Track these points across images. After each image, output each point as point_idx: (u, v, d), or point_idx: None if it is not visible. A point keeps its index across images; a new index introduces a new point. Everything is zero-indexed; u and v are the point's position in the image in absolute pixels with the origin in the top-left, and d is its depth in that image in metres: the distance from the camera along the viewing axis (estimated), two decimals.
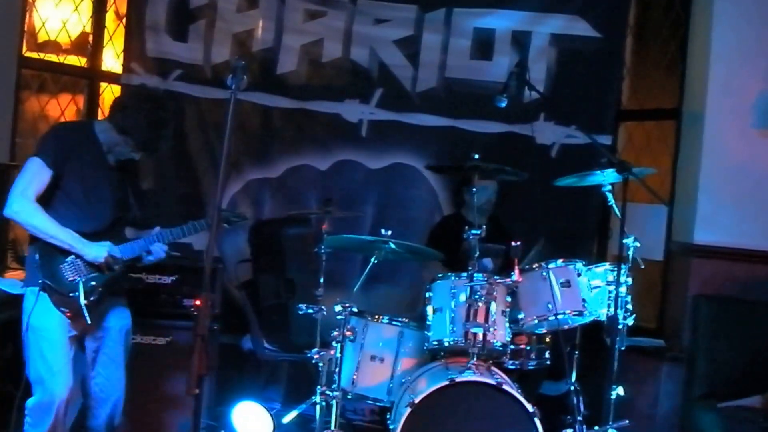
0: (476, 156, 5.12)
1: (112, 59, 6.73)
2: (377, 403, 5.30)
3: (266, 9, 6.73)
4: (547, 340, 5.36)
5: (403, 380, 5.12)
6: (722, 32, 6.20)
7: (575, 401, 5.36)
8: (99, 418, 4.73)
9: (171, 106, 4.77)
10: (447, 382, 4.66)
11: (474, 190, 5.17)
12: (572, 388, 5.42)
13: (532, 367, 5.34)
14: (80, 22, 6.52)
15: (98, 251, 4.48)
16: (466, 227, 4.98)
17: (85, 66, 6.59)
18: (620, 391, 4.94)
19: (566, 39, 6.62)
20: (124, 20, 6.66)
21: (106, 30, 6.65)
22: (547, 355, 5.35)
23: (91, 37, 6.59)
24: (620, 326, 4.92)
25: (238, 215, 4.98)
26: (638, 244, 5.05)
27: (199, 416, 3.72)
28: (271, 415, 5.42)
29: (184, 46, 6.63)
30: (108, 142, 4.58)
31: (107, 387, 4.71)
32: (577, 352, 5.54)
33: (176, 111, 4.79)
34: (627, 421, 4.94)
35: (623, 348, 4.94)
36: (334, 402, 5.07)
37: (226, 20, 6.68)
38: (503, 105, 5.46)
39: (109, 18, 6.69)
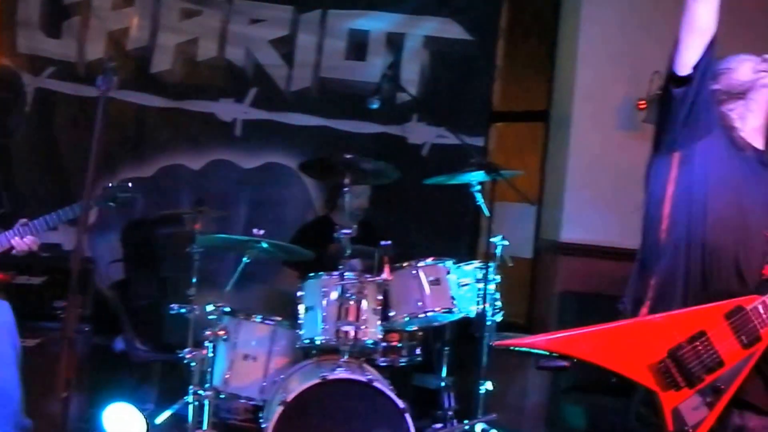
0: (348, 156, 5.16)
1: None
2: (250, 402, 5.30)
3: (141, 7, 6.66)
4: (419, 336, 5.44)
5: (276, 379, 5.13)
6: (589, 38, 6.41)
7: (446, 396, 5.48)
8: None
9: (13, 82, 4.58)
10: (318, 380, 4.69)
11: (346, 191, 5.22)
12: (443, 383, 5.54)
13: (403, 364, 5.38)
14: None
15: None
16: (337, 227, 5.04)
17: None
18: (489, 385, 5.08)
19: (439, 41, 6.72)
20: None
21: None
22: (418, 351, 5.40)
23: None
24: (489, 323, 5.06)
25: (126, 188, 4.77)
26: (506, 243, 5.20)
27: (66, 419, 3.68)
28: (143, 416, 5.37)
29: (57, 42, 6.52)
30: None
31: None
32: (447, 348, 5.66)
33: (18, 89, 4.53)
34: (494, 415, 5.07)
35: (492, 344, 5.07)
36: (206, 401, 5.07)
37: (101, 17, 6.59)
38: (375, 107, 5.56)
39: None
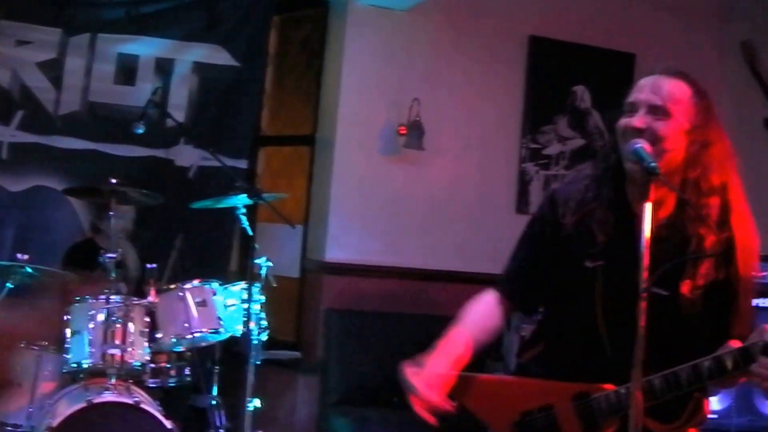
0: (113, 180, 5.23)
1: None
2: (17, 429, 5.20)
3: None
4: (188, 357, 5.55)
5: (43, 404, 5.10)
6: (351, 68, 6.68)
7: (216, 415, 5.62)
8: None
9: None
10: (84, 404, 4.71)
11: (111, 214, 5.29)
12: (213, 402, 5.68)
13: (173, 385, 5.47)
14: None
15: None
16: (102, 251, 5.10)
17: None
18: (257, 403, 5.25)
19: (208, 68, 6.78)
20: None
21: None
22: (187, 371, 5.51)
23: None
24: (255, 341, 5.24)
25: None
26: (271, 264, 5.41)
27: None
28: None
29: None
30: None
31: None
32: (217, 368, 5.81)
33: None
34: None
35: (259, 362, 5.26)
36: None
37: None
38: (140, 132, 5.64)
39: None
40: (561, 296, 3.01)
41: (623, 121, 2.80)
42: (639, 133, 2.72)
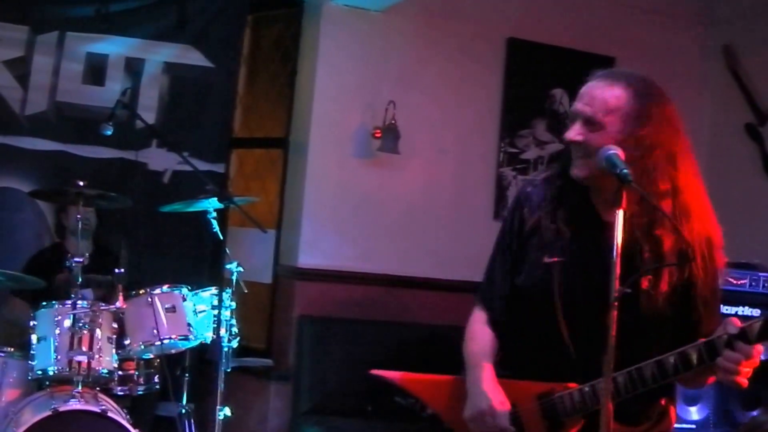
0: (81, 182, 5.11)
1: None
2: None
3: None
4: (156, 364, 5.44)
5: (7, 412, 4.97)
6: (326, 69, 6.58)
7: (186, 423, 5.51)
8: None
9: None
10: (50, 412, 4.60)
11: (78, 217, 5.17)
12: (183, 410, 5.57)
13: (141, 393, 5.37)
14: None
15: None
16: (69, 255, 4.98)
17: None
18: (227, 411, 5.13)
19: (179, 68, 6.68)
20: None
21: None
22: (156, 379, 5.41)
23: None
24: (225, 349, 5.13)
25: None
26: (242, 269, 5.30)
27: None
28: None
29: None
30: None
31: None
32: (187, 375, 5.69)
33: None
34: None
35: (230, 369, 5.14)
36: None
37: None
38: (108, 133, 5.52)
39: None
40: (520, 295, 2.97)
41: (565, 133, 2.79)
42: (576, 145, 2.71)
